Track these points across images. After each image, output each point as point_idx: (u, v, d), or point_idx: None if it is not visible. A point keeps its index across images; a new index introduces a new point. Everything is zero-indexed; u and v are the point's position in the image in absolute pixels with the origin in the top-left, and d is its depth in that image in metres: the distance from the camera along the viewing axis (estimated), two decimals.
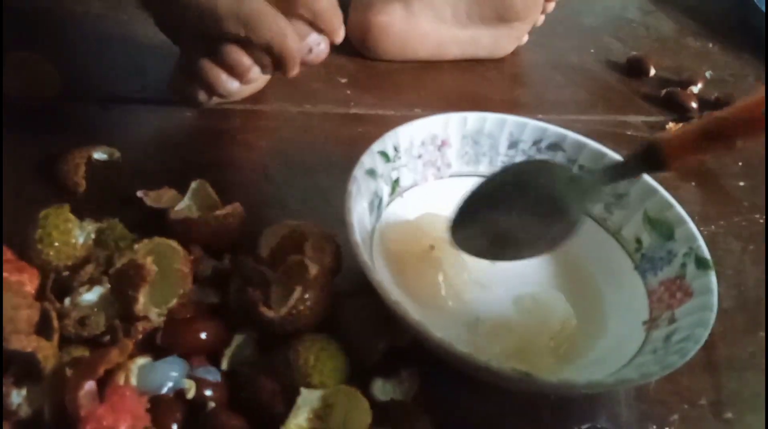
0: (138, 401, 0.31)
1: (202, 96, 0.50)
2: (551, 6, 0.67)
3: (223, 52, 0.46)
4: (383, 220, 0.45)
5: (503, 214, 0.39)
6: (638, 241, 0.44)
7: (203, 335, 0.35)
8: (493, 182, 0.40)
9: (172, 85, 0.52)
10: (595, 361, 0.39)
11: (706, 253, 0.41)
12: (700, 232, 0.48)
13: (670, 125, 0.64)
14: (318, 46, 0.48)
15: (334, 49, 0.65)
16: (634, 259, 0.44)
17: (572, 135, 0.48)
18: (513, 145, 0.49)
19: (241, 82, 0.48)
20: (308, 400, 0.33)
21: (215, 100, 0.51)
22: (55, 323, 0.33)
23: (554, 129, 0.48)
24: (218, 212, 0.42)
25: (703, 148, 0.34)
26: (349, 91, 0.61)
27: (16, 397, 0.31)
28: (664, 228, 0.44)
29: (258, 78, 0.48)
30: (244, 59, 0.46)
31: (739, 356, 0.44)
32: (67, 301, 0.35)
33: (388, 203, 0.46)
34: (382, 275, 0.41)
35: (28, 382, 0.31)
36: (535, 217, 0.38)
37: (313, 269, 0.36)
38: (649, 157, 0.35)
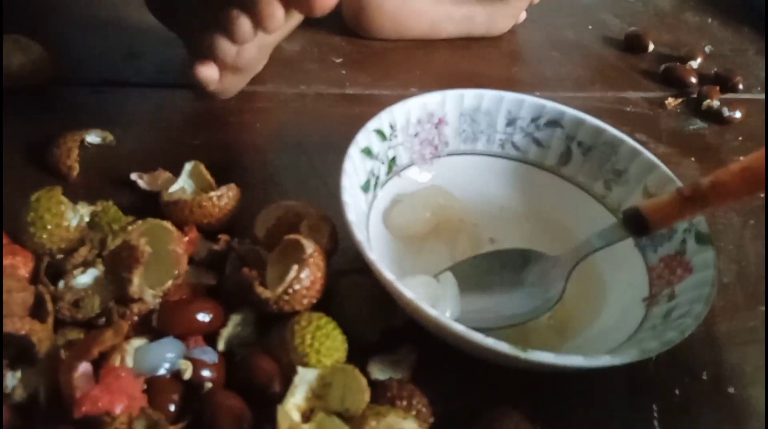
0: (134, 382, 0.30)
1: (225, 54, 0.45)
2: None
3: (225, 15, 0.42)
4: (380, 198, 0.44)
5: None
6: None
7: (199, 316, 0.34)
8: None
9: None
10: (595, 338, 0.39)
11: (706, 228, 0.41)
12: None
13: (669, 101, 0.63)
14: None
15: (328, 28, 0.65)
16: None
17: (570, 111, 0.47)
18: (511, 122, 0.48)
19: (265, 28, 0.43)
20: (305, 379, 0.32)
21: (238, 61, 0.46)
22: (50, 306, 0.33)
23: (552, 105, 0.48)
24: (212, 193, 0.41)
25: (681, 215, 0.37)
26: (344, 71, 0.61)
27: (11, 379, 0.30)
28: None
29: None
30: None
31: (740, 330, 0.43)
32: (61, 283, 0.35)
33: (385, 182, 0.45)
34: (381, 254, 0.41)
35: (23, 364, 0.31)
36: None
37: (309, 248, 0.36)
38: (633, 224, 0.38)
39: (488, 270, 0.42)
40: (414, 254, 0.42)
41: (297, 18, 0.47)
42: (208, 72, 0.45)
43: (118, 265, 0.34)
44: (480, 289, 0.41)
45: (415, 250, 0.42)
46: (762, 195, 0.53)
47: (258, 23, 0.42)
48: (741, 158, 0.58)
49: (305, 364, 0.33)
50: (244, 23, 0.42)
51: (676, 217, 0.38)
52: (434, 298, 0.39)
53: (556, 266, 0.41)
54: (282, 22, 0.42)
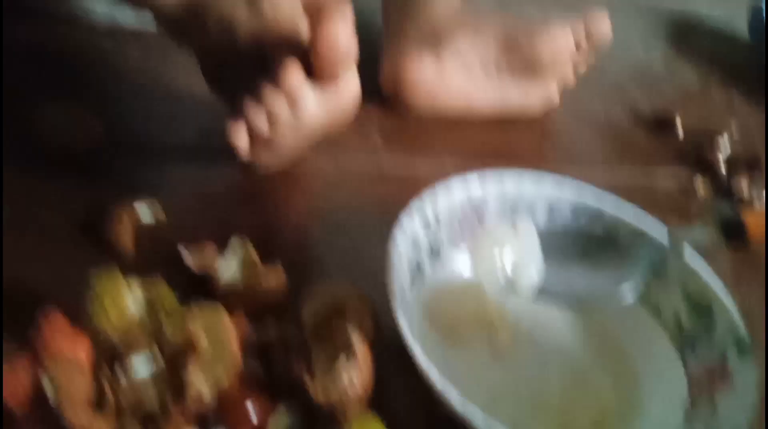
0: None
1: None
2: (583, 66, 0.68)
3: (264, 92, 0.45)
4: (425, 285, 0.45)
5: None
6: (677, 320, 0.44)
7: (251, 411, 0.36)
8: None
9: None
10: None
11: (746, 336, 0.41)
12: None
13: (699, 180, 0.65)
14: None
15: (366, 101, 0.67)
16: (675, 341, 0.44)
17: (610, 209, 0.48)
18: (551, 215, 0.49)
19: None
20: None
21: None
22: (111, 397, 0.34)
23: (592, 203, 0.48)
24: (263, 283, 0.43)
25: None
26: (381, 148, 0.62)
27: None
28: (704, 311, 0.43)
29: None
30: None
31: None
32: (120, 375, 0.36)
33: (428, 270, 0.46)
34: (423, 347, 0.41)
35: None
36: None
37: (359, 350, 0.37)
38: (732, 231, 0.39)
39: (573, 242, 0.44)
40: (455, 350, 0.43)
41: (340, 111, 0.49)
42: (238, 137, 0.47)
43: (178, 360, 0.35)
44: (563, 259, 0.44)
45: (456, 346, 0.43)
46: None
47: (290, 104, 0.45)
48: None
49: None
50: (278, 103, 0.45)
51: None
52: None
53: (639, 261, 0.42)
54: (312, 107, 0.46)
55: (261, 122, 0.47)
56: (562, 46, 0.65)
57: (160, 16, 0.50)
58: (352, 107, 0.51)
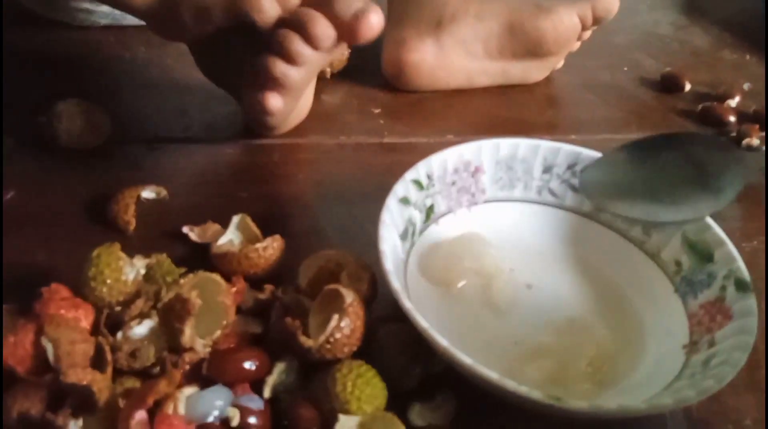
0: None
1: (255, 101, 0.49)
2: (587, 34, 0.67)
3: (276, 36, 0.45)
4: (418, 246, 0.46)
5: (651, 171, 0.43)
6: (678, 263, 0.44)
7: (246, 365, 0.36)
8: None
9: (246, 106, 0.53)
10: (633, 386, 0.39)
11: (746, 274, 0.40)
12: (742, 248, 0.47)
13: None
14: (371, 13, 0.44)
15: (367, 81, 0.68)
16: (674, 282, 0.44)
17: None
18: (547, 169, 0.49)
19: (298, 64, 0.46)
20: (346, 426, 0.34)
21: (264, 101, 0.49)
22: (109, 357, 0.35)
23: (588, 152, 0.49)
24: (258, 245, 0.43)
25: None
26: (382, 121, 0.63)
27: (74, 427, 0.33)
28: (703, 250, 0.43)
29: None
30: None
31: None
32: (119, 335, 0.37)
33: (423, 230, 0.47)
34: (418, 301, 0.42)
35: (84, 413, 0.33)
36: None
37: (349, 297, 0.37)
38: None
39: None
40: (450, 301, 0.43)
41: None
42: (274, 100, 0.48)
43: (171, 316, 0.36)
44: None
45: (452, 297, 0.43)
46: None
47: (311, 43, 0.45)
48: None
49: (347, 411, 0.34)
50: (296, 42, 0.45)
51: None
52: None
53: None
54: (334, 42, 0.45)
55: (286, 70, 0.46)
56: (568, 28, 0.64)
57: (137, 14, 0.51)
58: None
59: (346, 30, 0.45)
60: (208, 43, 0.51)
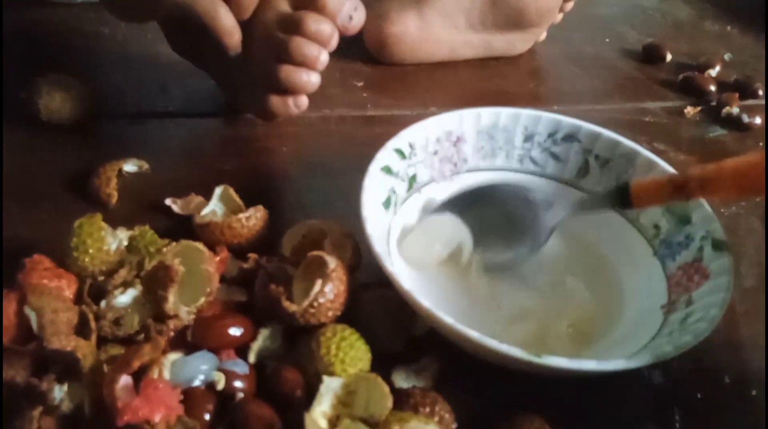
0: (171, 393, 0.32)
1: (280, 106, 0.51)
2: (570, 5, 0.67)
3: (290, 46, 0.47)
4: (400, 215, 0.46)
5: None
6: (656, 227, 0.45)
7: (231, 330, 0.36)
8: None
9: (242, 102, 0.55)
10: (613, 346, 0.40)
11: (722, 235, 0.41)
12: (721, 213, 0.48)
13: (688, 110, 0.64)
14: (356, 11, 0.48)
15: (350, 54, 0.67)
16: (653, 246, 0.44)
17: (587, 125, 0.49)
18: (528, 138, 0.50)
19: (318, 69, 0.49)
20: (331, 387, 0.34)
21: (292, 106, 0.51)
22: (93, 324, 0.35)
23: (568, 120, 0.49)
24: (241, 215, 0.43)
25: (665, 198, 0.39)
26: (365, 94, 0.63)
27: (59, 392, 0.33)
28: (681, 212, 0.44)
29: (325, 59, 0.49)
30: (311, 47, 0.47)
31: (763, 334, 0.43)
32: (102, 303, 0.37)
33: (405, 199, 0.47)
34: (401, 269, 0.42)
35: (69, 379, 0.33)
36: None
37: (332, 263, 0.37)
38: (617, 197, 0.40)
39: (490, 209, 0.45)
40: (428, 283, 0.43)
41: None
42: (301, 102, 0.51)
43: (155, 284, 0.36)
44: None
45: (429, 280, 0.44)
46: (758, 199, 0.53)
47: (322, 44, 0.47)
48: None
49: (331, 374, 0.35)
50: (312, 48, 0.47)
51: (660, 201, 0.40)
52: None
53: (544, 218, 0.43)
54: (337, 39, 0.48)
55: (306, 77, 0.49)
56: (550, 0, 0.64)
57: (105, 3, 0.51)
58: None
59: (340, 29, 0.48)
60: (175, 24, 0.51)
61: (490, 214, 0.45)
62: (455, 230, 0.45)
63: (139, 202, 0.49)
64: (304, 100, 0.51)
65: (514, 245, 0.44)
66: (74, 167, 0.51)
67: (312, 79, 0.49)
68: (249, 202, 0.46)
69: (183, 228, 0.46)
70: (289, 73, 0.48)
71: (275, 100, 0.50)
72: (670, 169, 0.45)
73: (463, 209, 0.45)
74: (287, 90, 0.49)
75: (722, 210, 0.52)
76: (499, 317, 0.41)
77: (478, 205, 0.45)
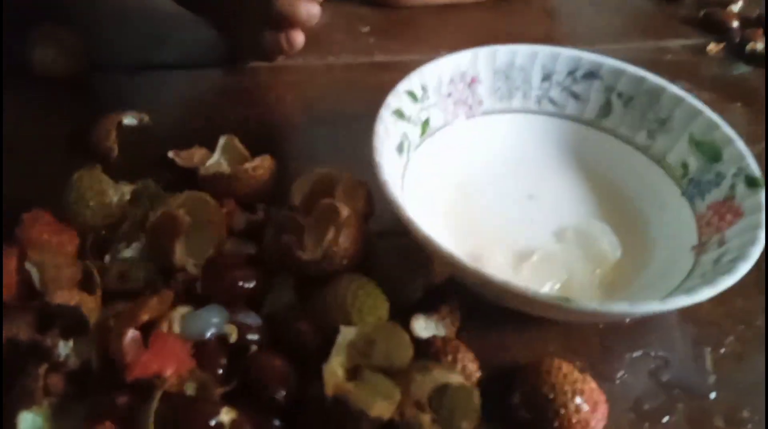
0: (182, 347, 0.31)
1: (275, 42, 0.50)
2: None
3: None
4: (414, 160, 0.44)
5: None
6: (684, 166, 0.42)
7: (241, 282, 0.35)
8: None
9: (240, 44, 0.53)
10: (643, 290, 0.38)
11: (756, 171, 0.39)
12: (750, 150, 0.46)
13: (711, 47, 0.61)
14: None
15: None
16: (681, 185, 0.42)
17: (609, 61, 0.46)
18: (546, 77, 0.47)
19: None
20: (348, 337, 0.32)
21: (284, 43, 0.50)
22: (97, 279, 0.34)
23: (589, 56, 0.46)
24: (247, 165, 0.41)
25: None
26: (372, 40, 0.60)
27: (64, 348, 0.31)
28: (711, 149, 0.42)
29: None
30: None
31: None
32: (106, 258, 0.35)
33: (419, 145, 0.45)
34: (416, 217, 0.40)
35: (75, 334, 0.32)
36: None
37: (345, 211, 0.36)
38: None
39: None
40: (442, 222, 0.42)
41: None
42: (300, 38, 0.49)
43: (160, 236, 0.35)
44: None
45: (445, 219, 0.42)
46: None
47: None
48: None
49: (348, 324, 0.33)
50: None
51: None
52: None
53: None
54: None
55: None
56: None
57: None
58: None
59: None
60: None
61: None
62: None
63: (140, 156, 0.47)
64: (299, 37, 0.49)
65: None
66: (70, 122, 0.49)
67: (312, 10, 0.47)
68: (255, 153, 0.44)
69: (187, 182, 0.43)
70: (291, 6, 0.46)
71: (270, 36, 0.48)
72: (698, 104, 0.43)
73: None
74: (285, 22, 0.47)
75: (750, 147, 0.49)
76: (524, 266, 0.39)
77: None
